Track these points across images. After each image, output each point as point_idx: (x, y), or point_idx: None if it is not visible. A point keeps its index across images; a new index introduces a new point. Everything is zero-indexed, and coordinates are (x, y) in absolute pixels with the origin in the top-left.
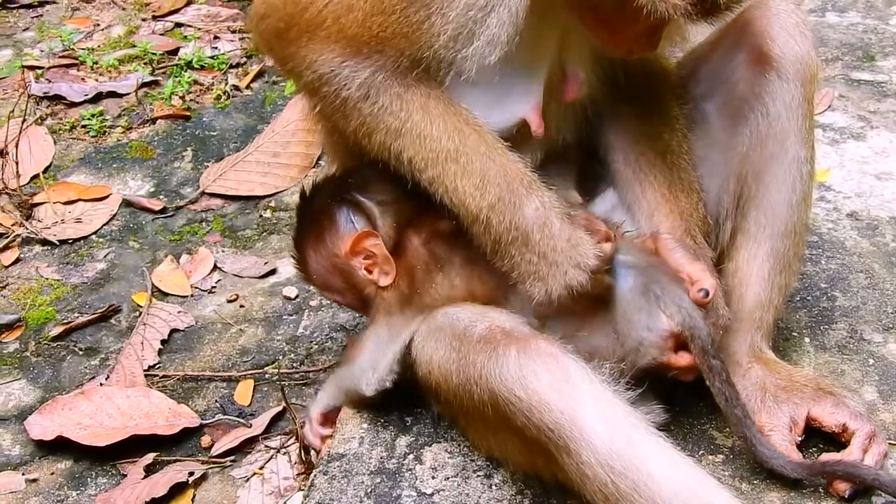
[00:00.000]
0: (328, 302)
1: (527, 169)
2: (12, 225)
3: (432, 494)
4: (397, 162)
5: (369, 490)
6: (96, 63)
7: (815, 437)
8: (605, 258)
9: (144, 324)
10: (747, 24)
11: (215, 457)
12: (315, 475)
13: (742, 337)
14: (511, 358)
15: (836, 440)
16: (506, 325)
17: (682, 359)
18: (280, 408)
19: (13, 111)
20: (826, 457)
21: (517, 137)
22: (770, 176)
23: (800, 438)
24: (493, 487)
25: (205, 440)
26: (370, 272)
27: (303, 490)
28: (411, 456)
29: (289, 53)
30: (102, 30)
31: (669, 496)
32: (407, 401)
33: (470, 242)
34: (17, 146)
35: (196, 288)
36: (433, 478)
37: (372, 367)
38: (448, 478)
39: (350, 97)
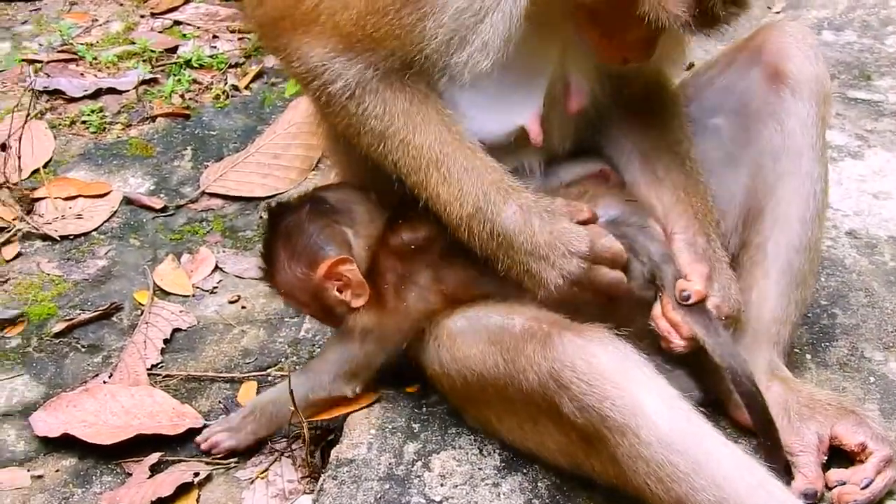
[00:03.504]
0: None
1: (504, 175)
2: (13, 219)
3: (441, 502)
4: (384, 164)
5: (379, 496)
6: (95, 59)
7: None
8: (593, 244)
9: (147, 322)
10: (763, 44)
11: (220, 458)
12: (324, 480)
13: (761, 354)
14: (568, 341)
15: (852, 459)
16: (543, 317)
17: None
18: None
19: (17, 106)
20: (836, 473)
21: (516, 145)
22: (784, 191)
23: (825, 458)
24: (502, 496)
25: None
26: (342, 293)
27: (308, 493)
28: (419, 463)
29: (281, 43)
30: (100, 25)
31: (728, 475)
32: (414, 408)
33: (454, 251)
34: (19, 141)
35: (197, 288)
36: (442, 485)
37: (347, 374)
38: (457, 485)
39: (336, 93)
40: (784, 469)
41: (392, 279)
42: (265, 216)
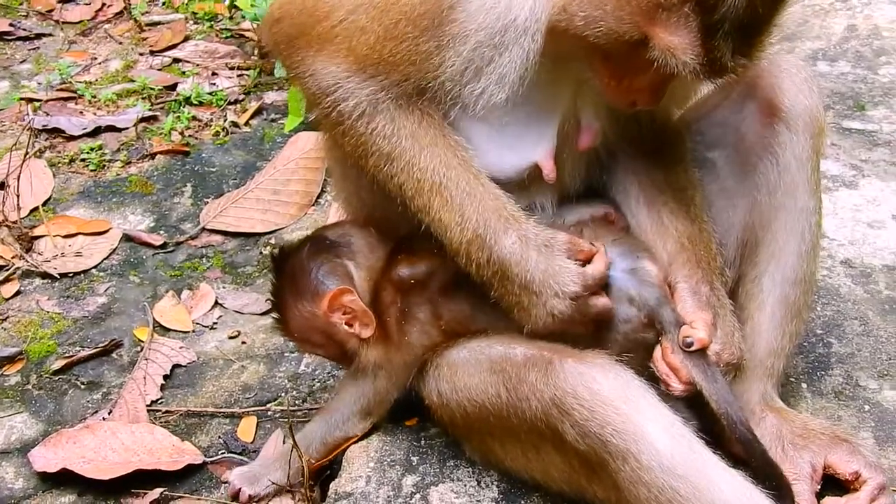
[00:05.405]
0: None
1: (507, 203)
2: (12, 257)
3: None
4: (390, 186)
5: None
6: (94, 97)
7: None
8: (586, 282)
9: (146, 359)
10: (757, 78)
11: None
12: None
13: (755, 385)
14: (569, 368)
15: (846, 487)
16: (545, 345)
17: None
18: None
19: (15, 144)
20: (830, 501)
21: (530, 182)
22: (779, 225)
23: (818, 487)
24: None
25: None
26: (350, 326)
27: None
28: (418, 496)
29: (295, 61)
30: (100, 63)
31: (729, 501)
32: (413, 440)
33: (453, 287)
34: (18, 179)
35: (197, 324)
36: None
37: (362, 412)
38: None
39: (347, 112)
40: None
41: (395, 313)
42: (270, 264)
